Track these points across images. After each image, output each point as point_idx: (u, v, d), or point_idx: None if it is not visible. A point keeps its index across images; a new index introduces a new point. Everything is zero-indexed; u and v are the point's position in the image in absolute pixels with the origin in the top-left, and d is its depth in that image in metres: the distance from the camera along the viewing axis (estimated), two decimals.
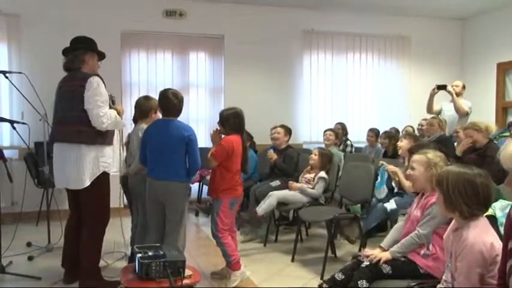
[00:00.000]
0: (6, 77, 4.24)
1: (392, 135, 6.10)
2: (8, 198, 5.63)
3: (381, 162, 4.60)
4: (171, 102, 3.63)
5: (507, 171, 1.96)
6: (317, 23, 7.39)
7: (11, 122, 4.16)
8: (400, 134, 6.54)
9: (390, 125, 7.07)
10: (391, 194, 4.49)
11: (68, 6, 6.29)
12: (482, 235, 2.11)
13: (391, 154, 5.64)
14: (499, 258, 2.06)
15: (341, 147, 6.65)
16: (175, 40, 6.94)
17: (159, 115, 3.95)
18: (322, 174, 4.89)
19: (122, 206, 4.68)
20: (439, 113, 6.30)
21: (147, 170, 3.69)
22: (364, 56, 7.75)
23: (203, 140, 6.02)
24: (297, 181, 5.07)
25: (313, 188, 4.86)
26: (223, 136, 3.89)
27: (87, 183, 3.49)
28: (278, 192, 4.96)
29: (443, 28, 8.01)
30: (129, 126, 5.03)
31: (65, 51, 3.66)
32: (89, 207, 3.59)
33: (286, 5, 7.12)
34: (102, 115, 3.43)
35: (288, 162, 5.52)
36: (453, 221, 2.32)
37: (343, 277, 2.85)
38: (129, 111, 5.67)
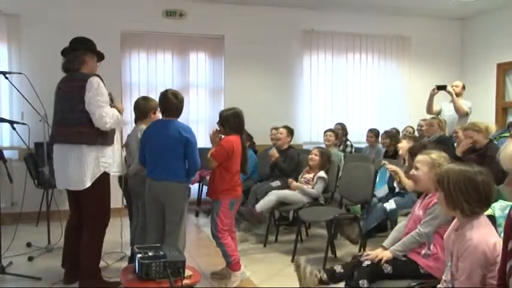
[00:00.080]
0: (6, 78, 4.23)
1: (393, 134, 6.11)
2: (8, 199, 5.63)
3: (383, 162, 4.60)
4: (170, 102, 3.63)
5: (507, 172, 1.96)
6: (317, 23, 7.39)
7: (11, 122, 4.15)
8: (401, 134, 6.54)
9: (390, 125, 7.07)
10: (391, 194, 4.49)
11: (68, 6, 6.29)
12: (485, 235, 2.11)
13: (392, 154, 5.64)
14: (499, 258, 2.05)
15: (341, 148, 6.65)
16: (176, 40, 6.94)
17: (159, 115, 3.95)
18: (322, 174, 4.89)
19: (122, 206, 4.67)
20: (438, 113, 6.30)
21: (147, 171, 3.69)
22: (364, 56, 7.74)
23: (203, 141, 6.02)
24: (297, 181, 5.08)
25: (312, 188, 4.86)
26: (222, 136, 3.89)
27: (88, 184, 3.49)
28: (278, 191, 4.98)
29: (444, 28, 8.01)
30: (130, 125, 5.03)
31: (64, 52, 3.66)
32: (89, 207, 3.59)
33: (286, 5, 7.12)
34: (105, 115, 3.43)
35: (289, 162, 5.53)
36: (454, 220, 2.32)
37: (342, 271, 2.87)
38: (129, 111, 5.66)
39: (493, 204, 2.64)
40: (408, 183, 4.19)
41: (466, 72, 7.95)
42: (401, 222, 3.14)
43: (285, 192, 4.94)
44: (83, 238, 3.59)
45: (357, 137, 7.30)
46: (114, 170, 3.69)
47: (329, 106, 7.58)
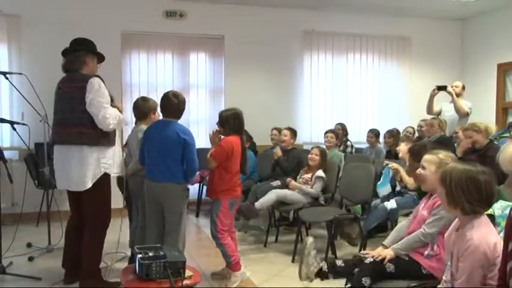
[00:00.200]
0: (7, 78, 4.24)
1: (396, 134, 6.12)
2: (9, 199, 5.62)
3: (385, 162, 4.61)
4: (170, 102, 3.64)
5: (507, 173, 1.96)
6: (317, 24, 7.39)
7: (11, 122, 4.16)
8: (401, 134, 6.55)
9: (390, 125, 7.05)
10: (392, 193, 4.49)
11: (68, 6, 6.29)
12: (486, 235, 2.10)
13: (395, 154, 5.63)
14: (500, 258, 2.05)
15: (341, 148, 6.65)
16: (176, 41, 6.94)
17: (158, 115, 3.95)
18: (320, 173, 4.88)
19: (123, 206, 4.67)
20: (439, 113, 6.30)
21: (146, 172, 3.69)
22: (365, 57, 7.75)
23: (203, 141, 6.02)
24: (295, 181, 5.07)
25: (311, 188, 4.86)
26: (222, 137, 3.89)
27: (89, 184, 3.49)
28: (278, 190, 4.98)
29: (444, 29, 8.01)
30: (130, 126, 5.03)
31: (65, 53, 3.66)
32: (90, 208, 3.59)
33: (286, 6, 7.12)
34: (108, 116, 3.43)
35: (291, 161, 5.53)
36: (455, 220, 2.32)
37: (343, 265, 2.86)
38: (130, 112, 5.66)
39: (493, 205, 2.64)
40: (409, 181, 4.21)
41: (466, 72, 7.95)
42: (402, 222, 3.14)
43: (285, 192, 4.93)
44: (83, 239, 3.59)
45: (357, 137, 7.30)
46: (115, 171, 3.69)
47: (329, 106, 7.58)
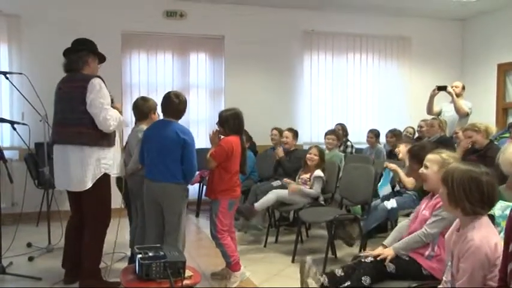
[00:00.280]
0: (7, 78, 4.24)
1: (399, 133, 6.12)
2: (9, 199, 5.62)
3: (385, 164, 4.62)
4: (171, 102, 3.63)
5: (507, 174, 1.96)
6: (317, 24, 7.39)
7: (12, 122, 4.16)
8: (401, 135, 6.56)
9: (390, 126, 7.06)
10: (393, 193, 4.49)
11: (68, 6, 6.29)
12: (487, 236, 2.10)
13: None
14: (500, 259, 2.05)
15: (341, 148, 6.64)
16: (176, 41, 6.94)
17: (158, 115, 3.95)
18: (319, 173, 4.87)
19: (123, 207, 4.67)
20: (439, 114, 6.30)
21: (145, 172, 3.69)
22: (365, 57, 7.74)
23: (203, 141, 6.01)
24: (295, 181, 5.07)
25: (310, 188, 4.86)
26: (222, 137, 3.89)
27: (89, 185, 3.49)
28: (278, 190, 4.98)
29: (444, 29, 8.01)
30: (130, 127, 5.03)
31: (66, 53, 3.65)
32: (90, 208, 3.59)
33: (286, 6, 7.12)
34: (109, 118, 3.43)
35: (293, 162, 5.52)
36: (456, 221, 2.31)
37: (342, 274, 2.83)
38: (130, 112, 5.66)
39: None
40: (409, 181, 4.21)
41: (466, 72, 7.95)
42: (402, 222, 3.13)
43: (285, 192, 4.93)
44: (84, 239, 3.59)
45: (357, 137, 7.30)
46: (115, 171, 3.69)
47: (329, 106, 7.58)
